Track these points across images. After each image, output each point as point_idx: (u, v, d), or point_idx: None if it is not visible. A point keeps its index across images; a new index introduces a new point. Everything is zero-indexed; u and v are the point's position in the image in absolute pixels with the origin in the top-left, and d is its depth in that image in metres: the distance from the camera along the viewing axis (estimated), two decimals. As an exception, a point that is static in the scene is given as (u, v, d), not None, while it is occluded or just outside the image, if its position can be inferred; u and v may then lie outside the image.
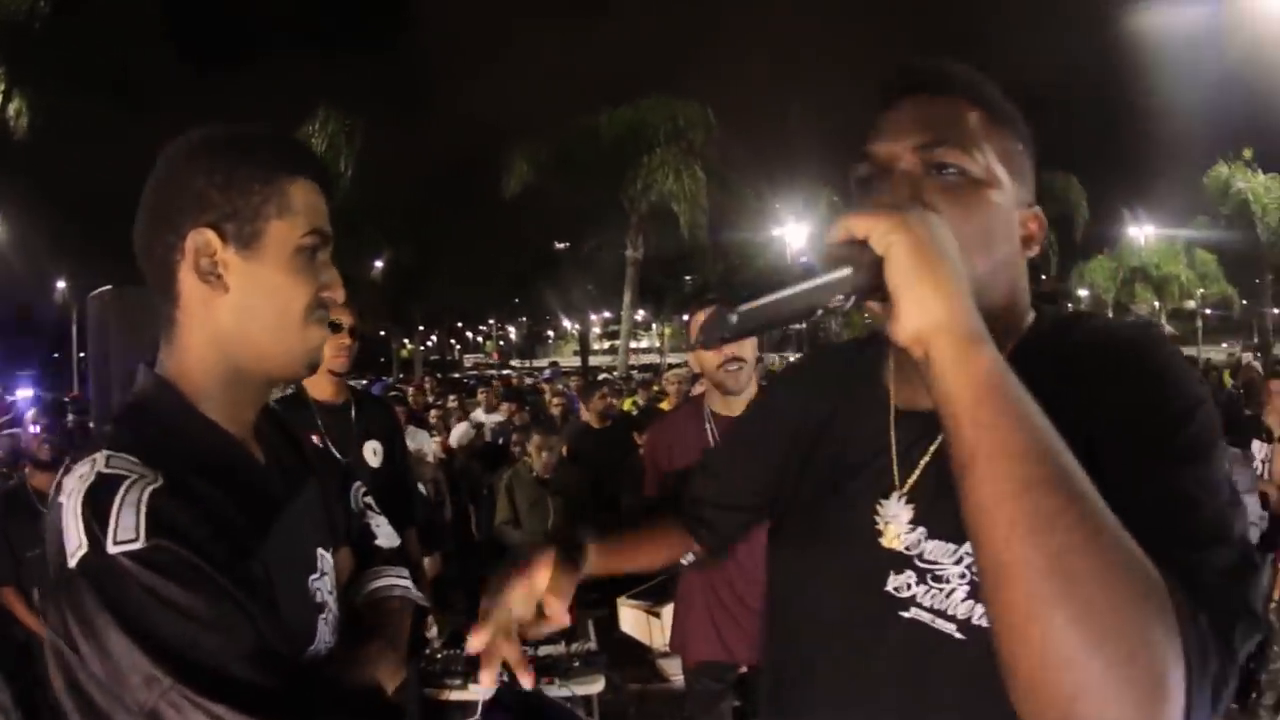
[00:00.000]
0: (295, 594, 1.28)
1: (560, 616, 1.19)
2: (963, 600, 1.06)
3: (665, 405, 9.47)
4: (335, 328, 3.53)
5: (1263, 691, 4.84)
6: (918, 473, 1.14)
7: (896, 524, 1.15)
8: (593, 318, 56.91)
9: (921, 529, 1.12)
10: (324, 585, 1.38)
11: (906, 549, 1.13)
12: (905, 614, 1.10)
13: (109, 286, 3.67)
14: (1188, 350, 31.71)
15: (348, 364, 3.70)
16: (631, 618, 5.16)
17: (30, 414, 10.02)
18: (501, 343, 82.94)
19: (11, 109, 24.15)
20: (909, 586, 1.11)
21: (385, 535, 1.62)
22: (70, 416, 10.43)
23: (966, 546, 1.05)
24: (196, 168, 1.21)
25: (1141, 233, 43.60)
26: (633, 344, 36.41)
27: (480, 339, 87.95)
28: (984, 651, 0.89)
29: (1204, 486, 0.91)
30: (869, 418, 1.22)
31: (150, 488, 1.09)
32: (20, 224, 30.12)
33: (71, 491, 1.09)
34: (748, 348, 3.48)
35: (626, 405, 9.92)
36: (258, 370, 1.28)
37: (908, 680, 1.09)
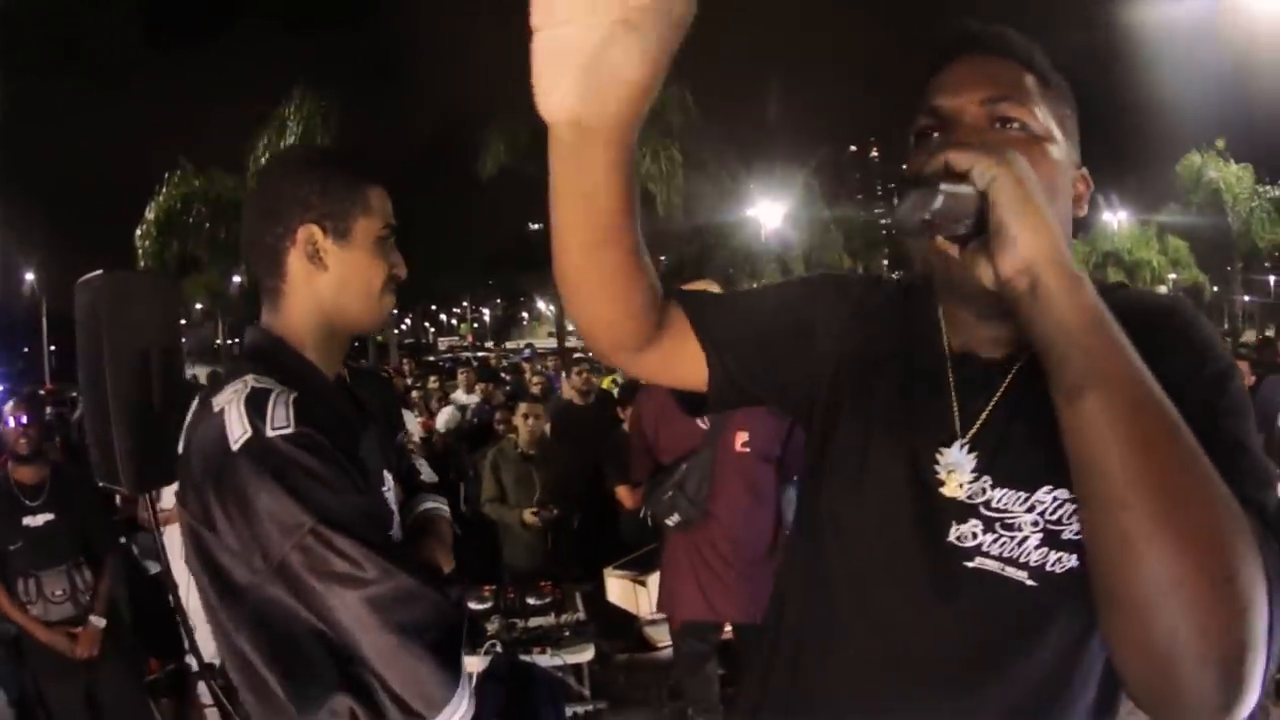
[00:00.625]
0: (375, 496, 1.64)
1: None
2: (1036, 548, 1.04)
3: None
4: None
5: None
6: (980, 422, 1.11)
7: (960, 473, 1.11)
8: (567, 299, 56.73)
9: (987, 478, 1.09)
10: (391, 497, 1.75)
11: (970, 498, 1.10)
12: (970, 563, 1.08)
13: (98, 272, 3.66)
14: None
15: None
16: (618, 587, 5.26)
17: (9, 406, 10.00)
18: (475, 325, 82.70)
19: (-18, 95, 23.81)
20: (974, 536, 1.09)
21: (426, 473, 2.06)
22: (49, 409, 10.38)
23: (1039, 494, 1.05)
24: (301, 179, 1.62)
25: (1115, 218, 43.89)
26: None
27: (454, 322, 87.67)
28: (1057, 598, 0.99)
29: (1251, 436, 0.95)
30: (924, 364, 1.18)
31: (293, 395, 1.45)
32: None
33: (230, 400, 1.45)
34: None
35: (606, 383, 10.01)
36: (345, 328, 1.70)
37: (972, 630, 1.09)
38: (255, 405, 1.43)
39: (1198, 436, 0.83)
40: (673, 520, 3.91)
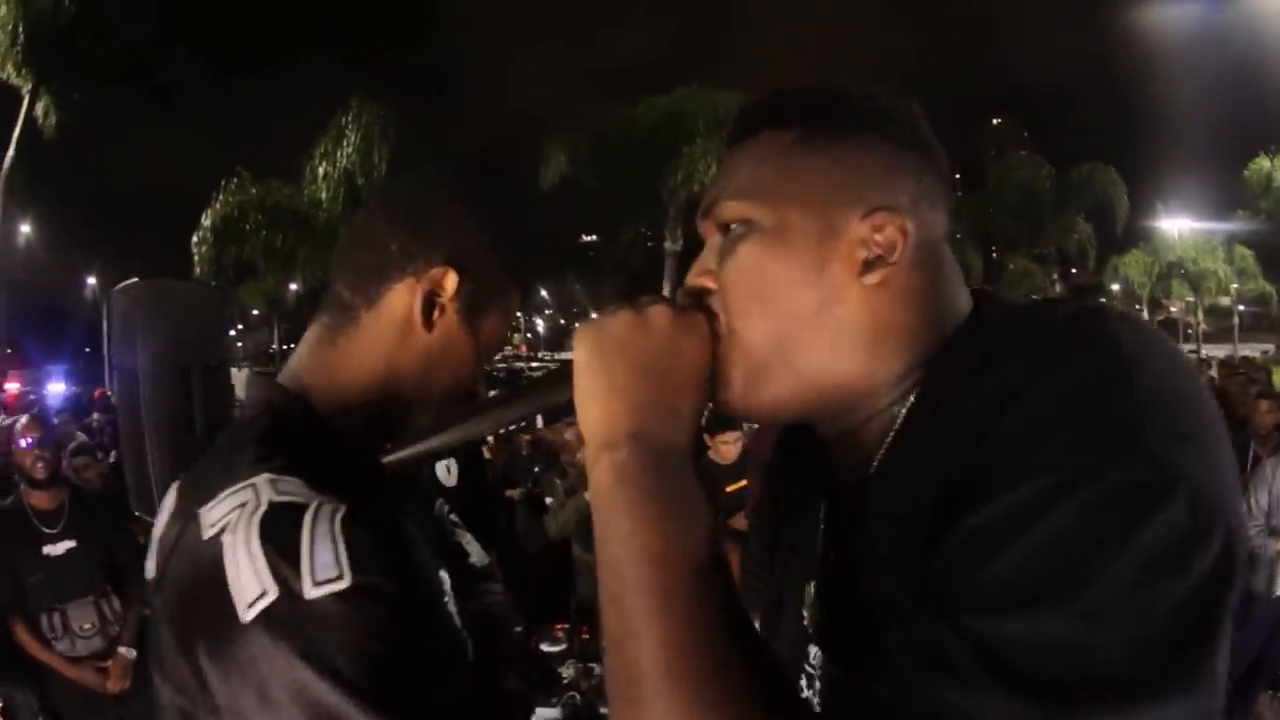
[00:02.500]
0: (445, 631, 1.12)
1: None
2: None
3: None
4: None
5: None
6: (819, 563, 1.00)
7: (813, 611, 1.01)
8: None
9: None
10: (453, 608, 1.24)
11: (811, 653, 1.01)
12: (806, 693, 0.99)
13: (135, 279, 3.36)
14: (1222, 349, 31.15)
15: None
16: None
17: (20, 425, 9.84)
18: (529, 335, 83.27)
19: (39, 108, 24.20)
20: (804, 689, 1.00)
21: (476, 553, 1.65)
22: (95, 416, 10.19)
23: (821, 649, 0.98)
24: (470, 219, 1.20)
25: (1176, 226, 42.99)
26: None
27: (508, 332, 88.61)
28: None
29: (967, 640, 0.62)
30: (804, 503, 1.05)
31: (340, 512, 0.94)
32: (51, 221, 30.33)
33: (234, 523, 0.93)
34: None
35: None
36: (396, 406, 1.19)
37: None
38: (280, 539, 0.91)
39: (901, 617, 0.69)
40: None
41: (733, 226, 0.91)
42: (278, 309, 35.71)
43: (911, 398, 0.87)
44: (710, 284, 0.90)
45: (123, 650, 4.09)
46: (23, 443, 4.20)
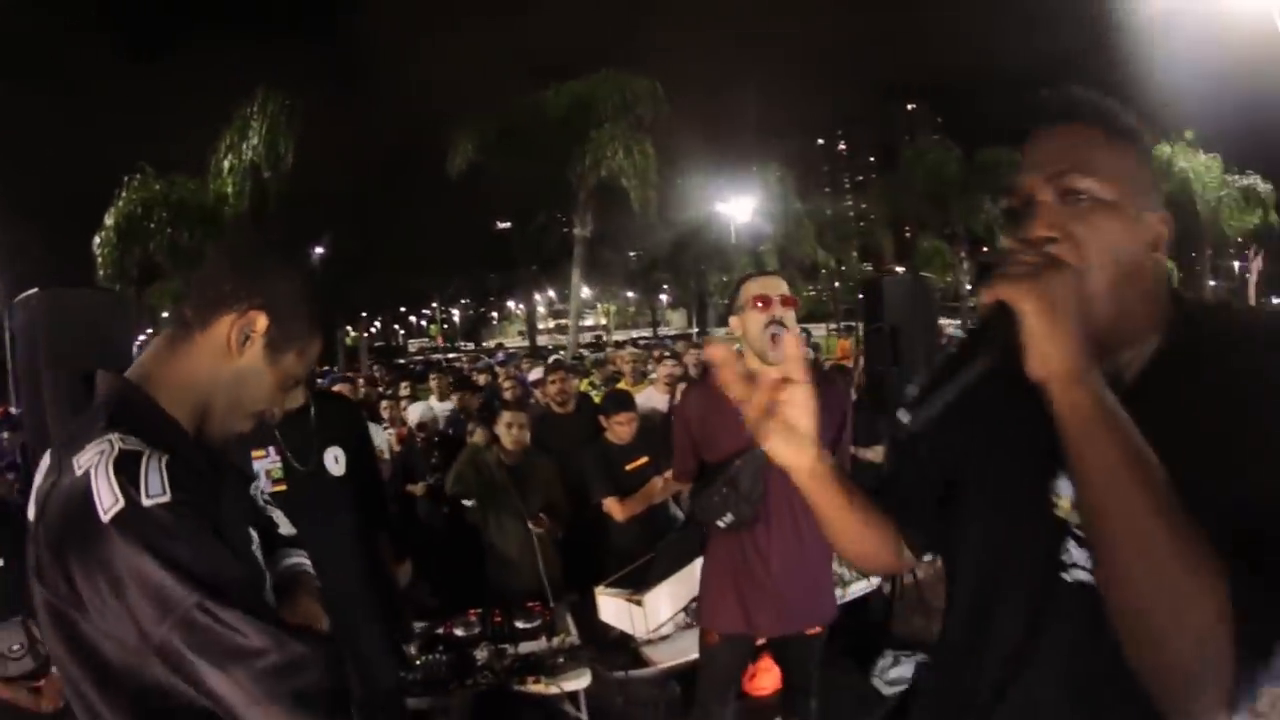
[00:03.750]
0: (247, 558, 1.60)
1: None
2: None
3: (623, 385, 9.32)
4: None
5: None
6: None
7: (1069, 496, 1.30)
8: (537, 297, 56.71)
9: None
10: (259, 556, 1.68)
11: (1071, 520, 1.30)
12: (1066, 576, 1.30)
13: (34, 290, 3.36)
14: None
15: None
16: (612, 607, 5.01)
17: None
18: (445, 326, 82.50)
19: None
20: (1069, 550, 1.30)
21: (285, 526, 1.89)
22: (4, 435, 9.94)
23: None
24: (297, 274, 1.67)
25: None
26: (580, 322, 36.39)
27: (424, 323, 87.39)
28: None
29: None
30: (1036, 413, 1.22)
31: (165, 458, 1.38)
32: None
33: (94, 463, 1.35)
34: (790, 316, 3.57)
35: (583, 386, 9.75)
36: (213, 412, 1.62)
37: (1074, 626, 1.28)
38: (126, 470, 1.34)
39: (1251, 475, 1.08)
40: (725, 521, 3.63)
41: (1081, 194, 1.25)
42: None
43: (1152, 350, 1.28)
44: (1055, 234, 1.23)
45: (55, 670, 3.89)
46: None
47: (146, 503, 1.31)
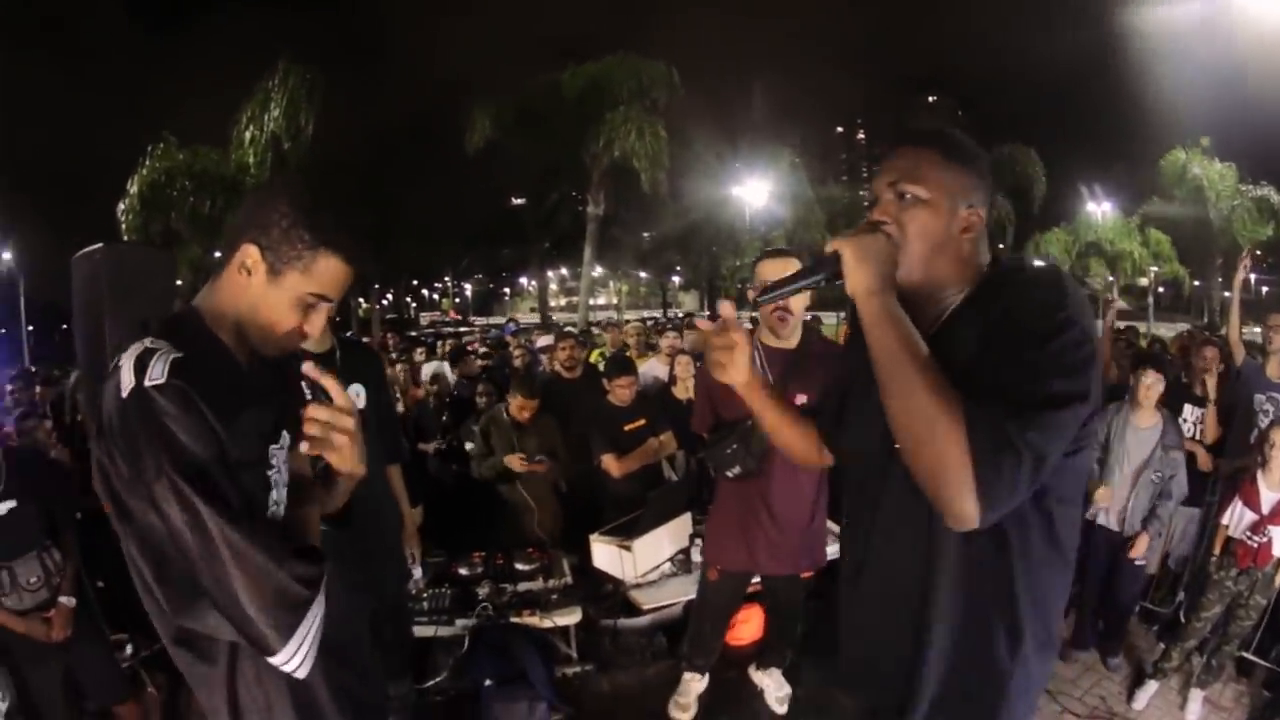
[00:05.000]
0: (251, 456, 1.90)
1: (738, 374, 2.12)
2: None
3: (630, 355, 9.69)
4: None
5: (1188, 637, 5.19)
6: None
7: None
8: (550, 274, 56.74)
9: None
10: (281, 455, 2.06)
11: None
12: (896, 446, 1.71)
13: (98, 245, 3.58)
14: (1138, 323, 32.57)
15: (331, 313, 3.81)
16: (604, 553, 5.37)
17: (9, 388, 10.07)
18: (457, 300, 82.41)
19: (-49, 73, 23.31)
20: None
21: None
22: (37, 388, 10.38)
23: None
24: (280, 207, 1.89)
25: (1099, 209, 44.07)
26: (591, 300, 36.49)
27: (436, 296, 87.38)
28: None
29: (1033, 358, 1.58)
30: None
31: (173, 355, 1.71)
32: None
33: (126, 358, 1.70)
34: (795, 304, 4.08)
35: (593, 356, 10.12)
36: (247, 330, 1.95)
37: (902, 488, 1.78)
38: (141, 361, 1.69)
39: (999, 358, 1.60)
40: (733, 472, 4.16)
41: (907, 195, 1.80)
42: (204, 278, 34.93)
43: (962, 296, 1.83)
44: (887, 219, 1.81)
45: (63, 600, 4.16)
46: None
47: (147, 384, 1.66)
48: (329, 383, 1.92)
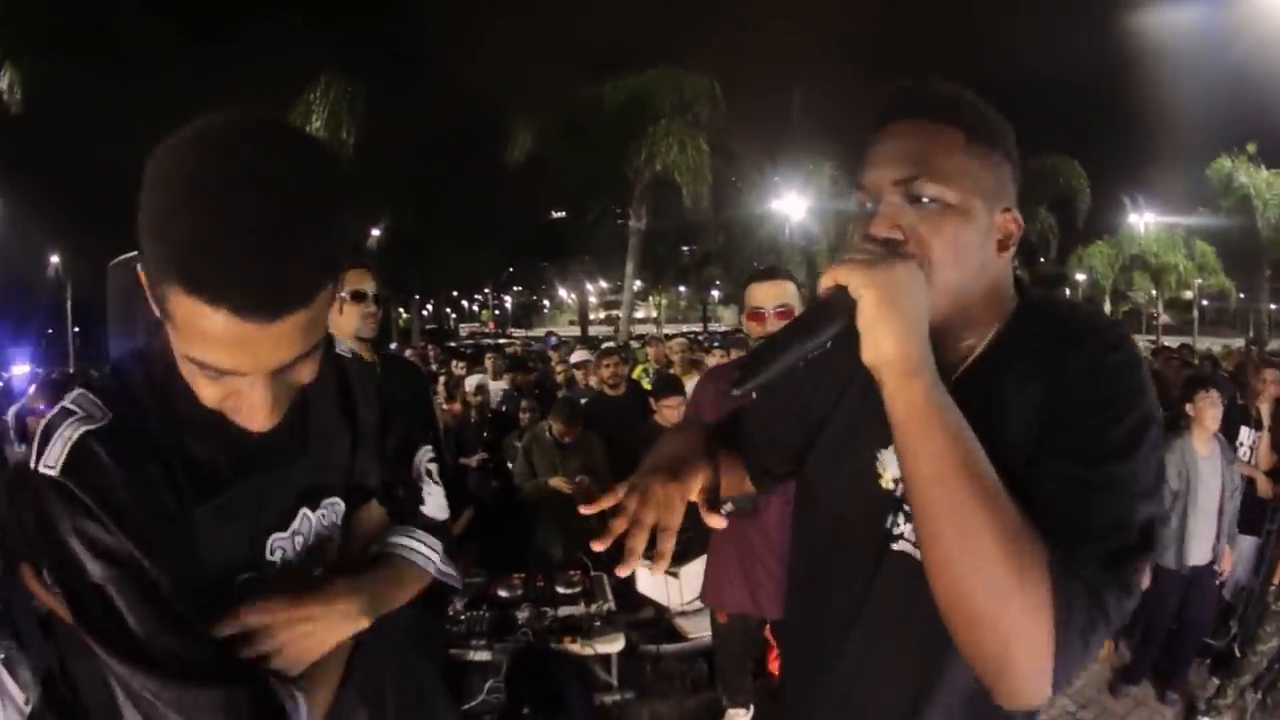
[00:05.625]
0: (234, 548, 1.36)
1: (714, 522, 1.39)
2: None
3: (673, 372, 9.55)
4: (360, 296, 3.56)
5: (1243, 671, 4.93)
6: None
7: (891, 470, 1.38)
8: (589, 287, 56.86)
9: None
10: (290, 544, 1.44)
11: (900, 494, 1.37)
12: (895, 546, 1.38)
13: (133, 253, 3.58)
14: (1184, 339, 31.95)
15: (375, 329, 3.68)
16: (649, 578, 5.24)
17: (30, 391, 10.05)
18: (497, 312, 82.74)
19: (3, 83, 23.70)
20: (899, 524, 1.38)
21: (434, 506, 1.71)
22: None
23: None
24: (146, 205, 1.12)
25: (1142, 221, 43.35)
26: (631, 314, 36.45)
27: (476, 308, 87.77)
28: None
29: (1121, 481, 1.14)
30: (874, 386, 1.30)
31: (85, 428, 1.23)
32: (14, 199, 29.71)
33: (48, 418, 1.27)
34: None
35: (637, 373, 9.99)
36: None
37: (894, 600, 1.36)
38: (47, 430, 1.24)
39: (1066, 472, 1.15)
40: (726, 510, 3.83)
41: (925, 198, 1.25)
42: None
43: (991, 335, 1.34)
44: (899, 235, 1.25)
45: None
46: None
47: (41, 469, 1.20)
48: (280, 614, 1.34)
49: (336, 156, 1.22)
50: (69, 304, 37.87)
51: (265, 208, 1.04)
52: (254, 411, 1.20)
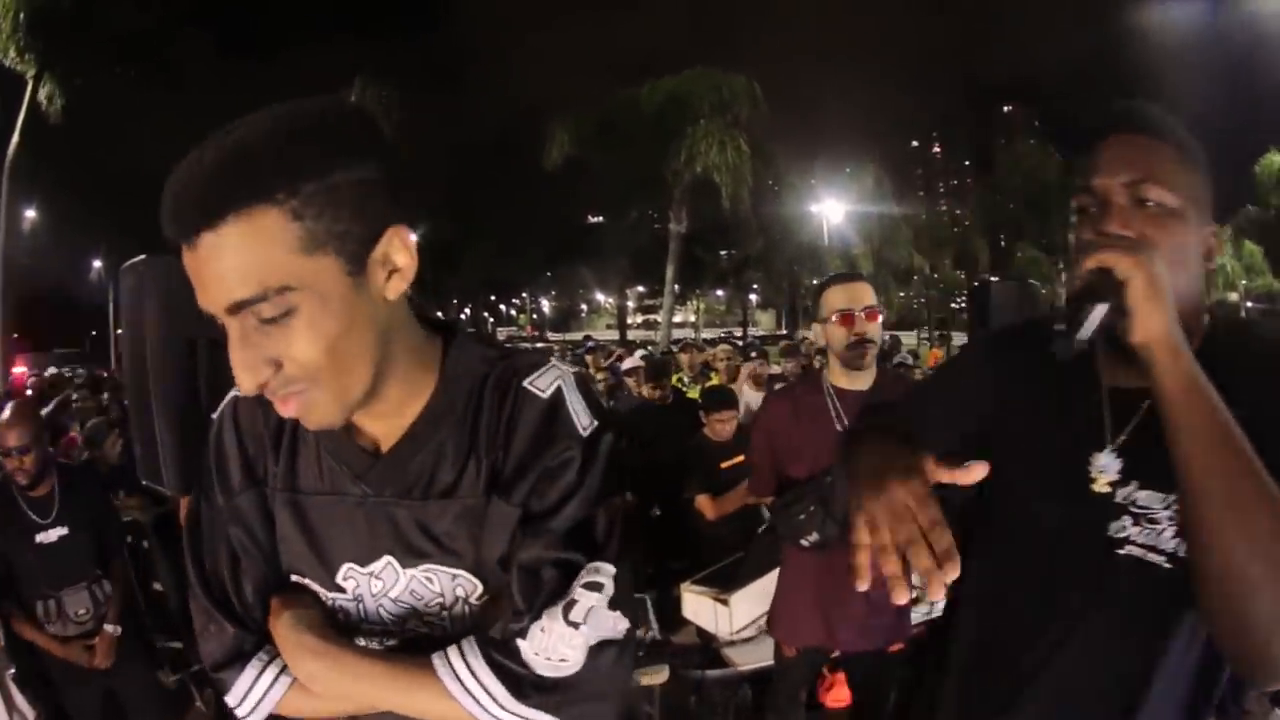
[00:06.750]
0: (301, 551, 1.32)
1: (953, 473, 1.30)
2: (1171, 537, 1.32)
3: (715, 379, 9.25)
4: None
5: None
6: (1126, 434, 1.39)
7: (1108, 474, 1.40)
8: (626, 291, 56.93)
9: (1134, 481, 1.37)
10: (367, 583, 1.30)
11: (1120, 498, 1.38)
12: (1121, 551, 1.37)
13: (142, 256, 3.39)
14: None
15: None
16: (695, 604, 4.95)
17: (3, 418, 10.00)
18: (534, 316, 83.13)
19: (43, 93, 23.96)
20: (1124, 528, 1.37)
21: (554, 645, 1.19)
22: (105, 395, 10.36)
23: (1174, 495, 1.29)
24: None
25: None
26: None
27: (513, 312, 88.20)
28: (1186, 577, 1.22)
29: None
30: (1077, 389, 1.45)
31: (234, 393, 1.34)
32: (56, 206, 30.24)
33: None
34: (875, 329, 3.49)
35: (673, 381, 9.72)
36: None
37: (1123, 604, 1.37)
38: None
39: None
40: (810, 540, 3.47)
41: (1150, 201, 1.32)
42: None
43: (1196, 343, 1.30)
44: (1131, 234, 1.30)
45: (108, 628, 4.09)
46: (11, 439, 3.95)
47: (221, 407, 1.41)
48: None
49: (333, 115, 1.13)
50: (111, 307, 38.77)
51: (205, 150, 1.06)
52: (234, 368, 1.11)
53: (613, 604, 1.20)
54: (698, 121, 27.57)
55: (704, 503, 5.51)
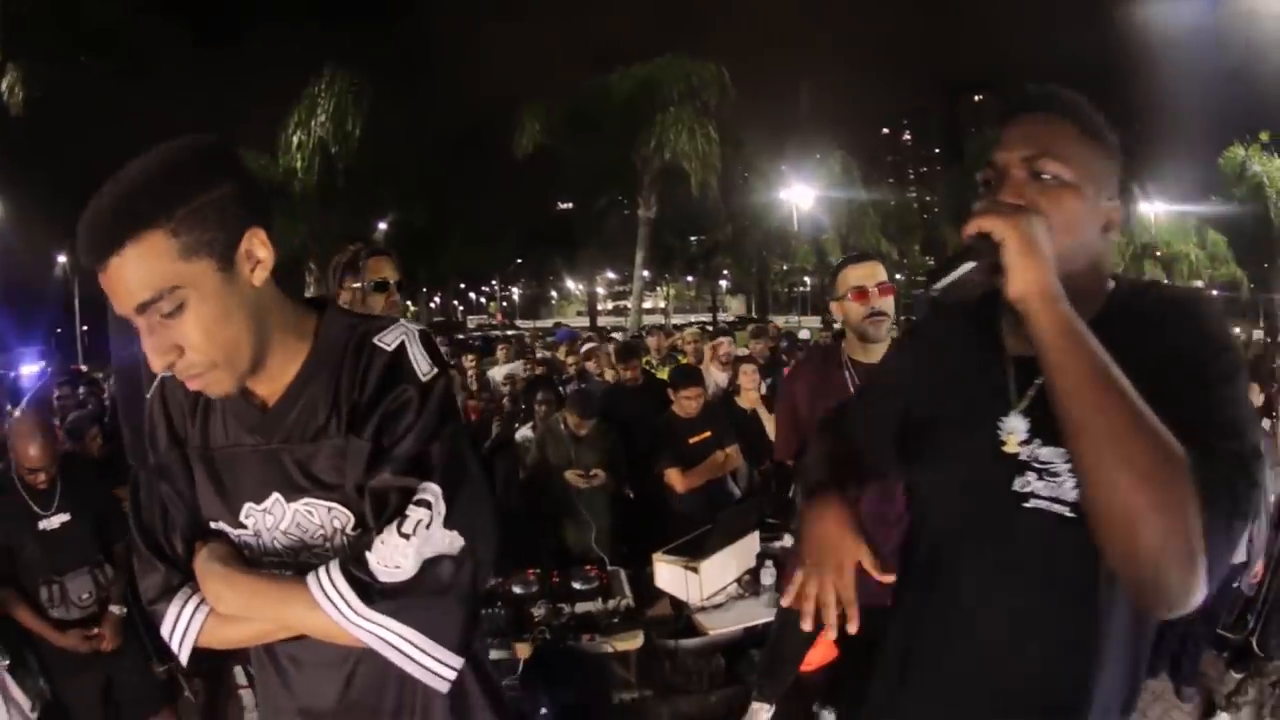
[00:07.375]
0: (213, 498, 1.63)
1: (883, 577, 1.57)
2: (1073, 488, 1.42)
3: (683, 361, 9.43)
4: (382, 286, 3.46)
5: (1267, 673, 4.91)
6: (1029, 398, 1.51)
7: (1017, 434, 1.51)
8: (597, 278, 56.79)
9: (1037, 439, 1.48)
10: (262, 519, 1.60)
11: (1024, 455, 1.50)
12: (1027, 505, 1.48)
13: None
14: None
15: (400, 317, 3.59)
16: (668, 573, 5.12)
17: (17, 415, 9.94)
18: (504, 304, 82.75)
19: (5, 83, 23.67)
20: (1029, 483, 1.49)
21: (387, 555, 1.47)
22: (80, 389, 10.35)
23: None
24: None
25: (1153, 210, 43.03)
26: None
27: (483, 300, 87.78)
28: (1087, 524, 1.28)
29: (1229, 401, 1.32)
30: (986, 360, 1.60)
31: (154, 385, 1.67)
32: (19, 200, 29.75)
33: None
34: (888, 303, 3.71)
35: (642, 363, 9.91)
36: None
37: (1034, 555, 1.49)
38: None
39: (1186, 400, 1.28)
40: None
41: (1046, 174, 1.45)
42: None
43: (1089, 317, 1.37)
44: (1023, 202, 1.41)
45: (113, 609, 4.16)
46: (30, 451, 4.03)
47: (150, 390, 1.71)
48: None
49: (189, 153, 1.43)
50: (76, 302, 38.05)
51: (102, 195, 1.37)
52: (146, 354, 1.44)
53: (448, 523, 1.49)
54: (667, 109, 27.51)
55: (674, 475, 5.68)
